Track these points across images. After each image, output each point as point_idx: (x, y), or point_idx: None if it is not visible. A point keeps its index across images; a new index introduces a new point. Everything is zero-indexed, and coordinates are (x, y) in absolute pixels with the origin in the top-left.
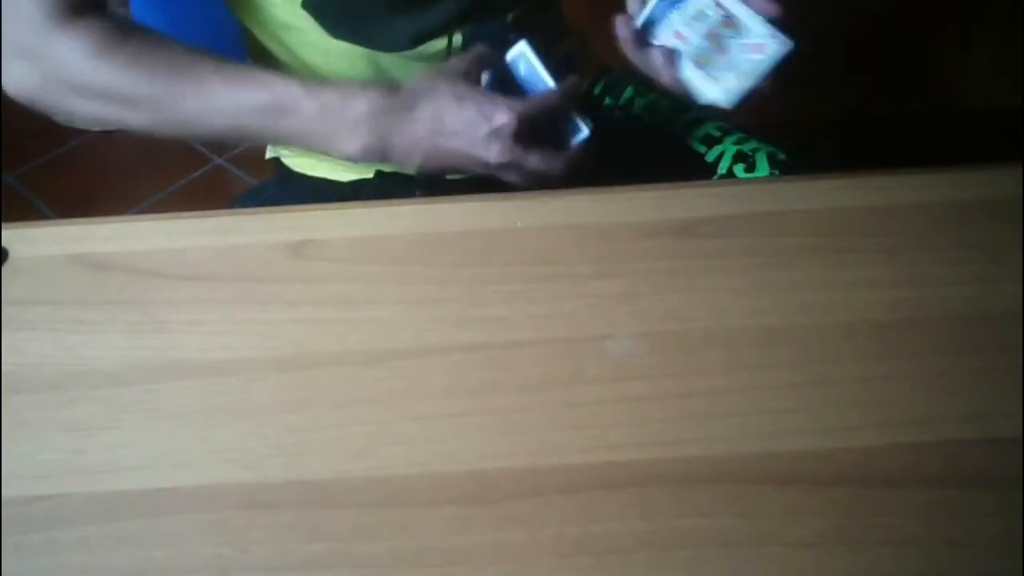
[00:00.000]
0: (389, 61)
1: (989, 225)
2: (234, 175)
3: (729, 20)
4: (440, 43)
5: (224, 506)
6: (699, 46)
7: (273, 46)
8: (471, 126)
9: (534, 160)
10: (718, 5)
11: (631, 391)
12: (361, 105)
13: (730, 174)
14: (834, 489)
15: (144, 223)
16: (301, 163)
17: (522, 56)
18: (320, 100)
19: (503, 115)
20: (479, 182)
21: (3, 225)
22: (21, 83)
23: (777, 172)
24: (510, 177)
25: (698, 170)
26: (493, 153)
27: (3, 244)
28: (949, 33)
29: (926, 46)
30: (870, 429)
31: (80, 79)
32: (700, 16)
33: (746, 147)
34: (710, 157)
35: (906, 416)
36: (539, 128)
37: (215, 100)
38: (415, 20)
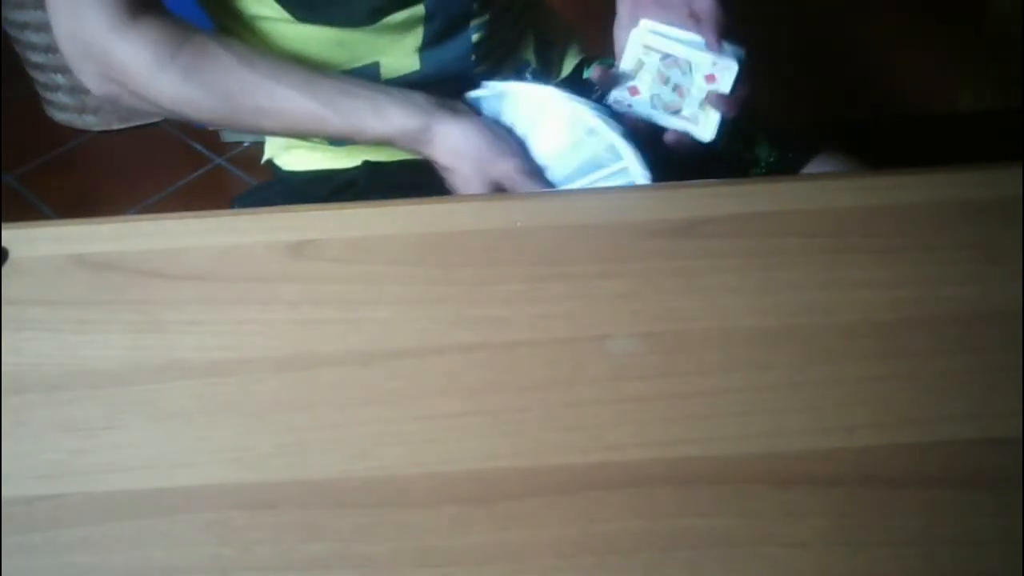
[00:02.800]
0: (356, 39)
1: (989, 225)
2: (234, 175)
3: (670, 60)
4: (401, 15)
5: (224, 506)
6: (657, 94)
7: (246, 36)
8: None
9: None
10: (650, 49)
11: (631, 391)
12: (417, 121)
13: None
14: (834, 489)
15: (144, 223)
16: (291, 161)
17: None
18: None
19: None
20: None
21: (3, 225)
22: (90, 83)
23: (777, 147)
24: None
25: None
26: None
27: (3, 244)
28: (949, 33)
29: (926, 46)
30: (870, 429)
31: (141, 86)
32: (640, 65)
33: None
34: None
35: (906, 416)
36: None
37: (275, 104)
38: None
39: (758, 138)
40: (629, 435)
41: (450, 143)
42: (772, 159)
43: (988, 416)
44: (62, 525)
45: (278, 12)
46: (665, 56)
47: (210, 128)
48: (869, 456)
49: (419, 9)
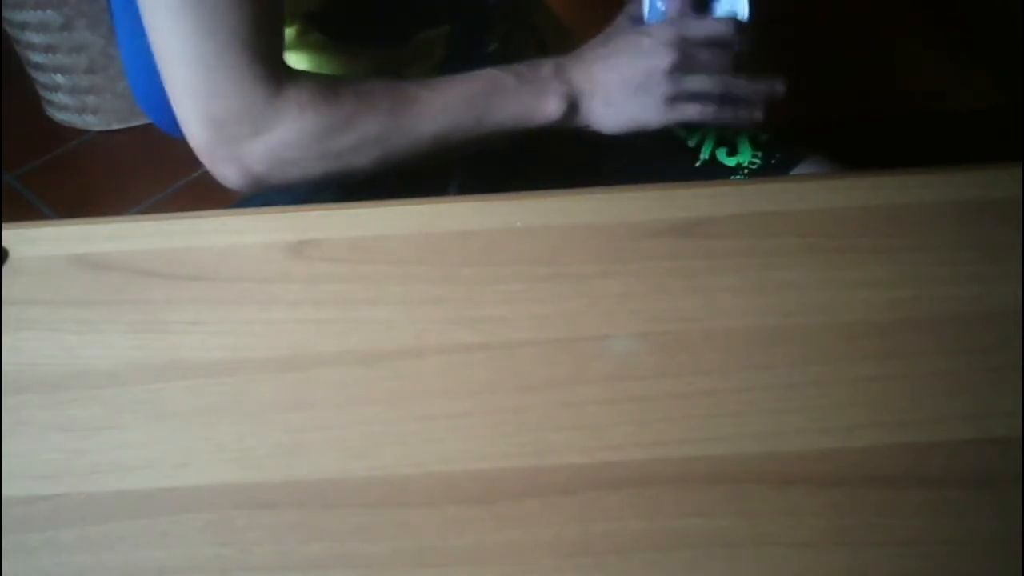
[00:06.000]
0: (388, 57)
1: (989, 225)
2: None
3: None
4: (432, 32)
5: (224, 506)
6: None
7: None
8: (644, 66)
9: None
10: None
11: (631, 391)
12: (547, 66)
13: (712, 159)
14: (834, 489)
15: (144, 223)
16: None
17: None
18: (514, 72)
19: (664, 53)
20: (511, 173)
21: (3, 225)
22: (261, 160)
23: (760, 154)
24: (693, 112)
25: (682, 157)
26: (668, 85)
27: (3, 244)
28: (949, 33)
29: (927, 46)
30: (870, 429)
31: (316, 139)
32: None
33: (727, 130)
34: (691, 142)
35: (906, 416)
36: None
37: (435, 105)
38: (410, 17)
39: (739, 144)
40: (629, 435)
41: (594, 89)
42: (755, 166)
43: (988, 416)
44: (62, 525)
45: (319, 39)
46: None
47: (360, 173)
48: (869, 456)
49: (446, 26)
